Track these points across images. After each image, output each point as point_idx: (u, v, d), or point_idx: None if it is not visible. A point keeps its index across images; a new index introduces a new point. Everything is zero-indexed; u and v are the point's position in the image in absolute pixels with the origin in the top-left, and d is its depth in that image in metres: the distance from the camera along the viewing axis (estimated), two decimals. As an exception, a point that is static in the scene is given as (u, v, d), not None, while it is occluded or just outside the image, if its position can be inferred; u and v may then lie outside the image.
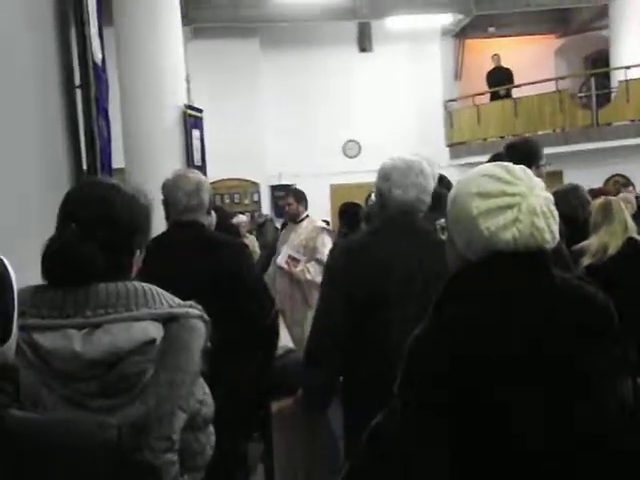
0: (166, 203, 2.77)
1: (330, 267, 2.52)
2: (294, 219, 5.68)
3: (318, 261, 5.23)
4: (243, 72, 13.09)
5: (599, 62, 14.48)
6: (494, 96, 13.89)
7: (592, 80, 13.11)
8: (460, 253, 1.38)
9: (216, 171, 8.70)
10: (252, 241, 8.05)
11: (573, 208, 3.94)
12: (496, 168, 1.38)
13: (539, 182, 1.38)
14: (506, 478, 1.28)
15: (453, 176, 1.42)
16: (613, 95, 12.83)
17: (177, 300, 1.38)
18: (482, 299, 1.32)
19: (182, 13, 7.43)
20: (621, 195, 5.40)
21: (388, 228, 2.44)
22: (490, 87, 13.91)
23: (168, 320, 1.34)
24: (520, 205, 1.32)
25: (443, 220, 1.45)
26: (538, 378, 1.28)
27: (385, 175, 2.46)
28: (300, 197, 5.70)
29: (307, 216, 5.63)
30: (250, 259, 2.96)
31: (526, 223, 1.32)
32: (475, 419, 1.26)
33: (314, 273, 5.30)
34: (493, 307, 1.31)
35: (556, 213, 1.37)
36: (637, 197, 6.32)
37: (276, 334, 3.02)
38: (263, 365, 2.89)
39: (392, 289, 2.32)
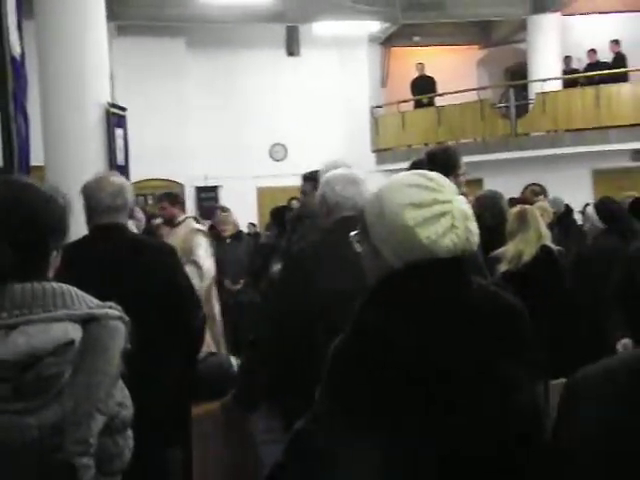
0: (88, 206, 2.70)
1: (286, 275, 2.50)
2: (171, 223, 5.68)
3: (194, 262, 5.22)
4: (169, 71, 12.91)
5: (518, 74, 15.00)
6: (418, 104, 14.19)
7: (511, 91, 13.57)
8: (388, 264, 1.36)
9: (140, 171, 8.54)
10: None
11: (489, 214, 4.08)
12: (419, 177, 1.39)
13: (455, 188, 1.42)
14: None
15: (379, 182, 1.43)
16: (531, 106, 13.32)
17: (96, 301, 1.36)
18: (406, 307, 1.33)
19: (107, 9, 7.27)
20: (538, 204, 5.61)
21: (343, 227, 2.42)
22: (414, 95, 14.20)
23: (87, 321, 1.31)
24: (452, 212, 1.34)
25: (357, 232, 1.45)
26: (460, 383, 1.30)
27: (334, 180, 2.50)
28: (174, 201, 5.72)
29: (185, 219, 5.63)
30: (178, 262, 2.95)
31: (462, 228, 1.34)
32: (399, 427, 1.27)
33: (190, 274, 5.27)
34: (416, 315, 1.32)
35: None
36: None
37: (202, 337, 3.03)
38: (189, 367, 2.88)
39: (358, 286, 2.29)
